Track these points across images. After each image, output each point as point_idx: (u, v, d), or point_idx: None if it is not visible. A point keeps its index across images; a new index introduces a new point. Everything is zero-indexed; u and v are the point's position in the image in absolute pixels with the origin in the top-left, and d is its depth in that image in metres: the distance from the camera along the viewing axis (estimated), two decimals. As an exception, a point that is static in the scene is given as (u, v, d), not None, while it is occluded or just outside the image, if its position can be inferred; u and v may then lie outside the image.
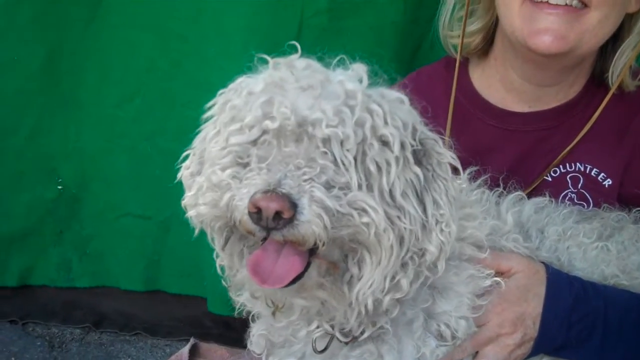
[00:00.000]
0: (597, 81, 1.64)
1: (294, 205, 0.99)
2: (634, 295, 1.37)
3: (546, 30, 1.43)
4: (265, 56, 1.14)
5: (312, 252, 1.07)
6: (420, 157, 1.13)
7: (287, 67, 1.12)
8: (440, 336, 1.26)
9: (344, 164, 1.03)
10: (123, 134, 2.74)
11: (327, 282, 1.11)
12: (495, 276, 1.32)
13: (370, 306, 1.12)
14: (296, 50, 1.14)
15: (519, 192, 1.44)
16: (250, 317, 1.35)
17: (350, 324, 1.18)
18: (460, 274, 1.26)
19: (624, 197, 1.56)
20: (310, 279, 1.09)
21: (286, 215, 0.98)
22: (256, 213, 1.00)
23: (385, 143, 1.07)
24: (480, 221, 1.30)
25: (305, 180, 1.00)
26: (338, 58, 1.14)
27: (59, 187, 2.87)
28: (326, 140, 1.03)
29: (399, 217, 1.07)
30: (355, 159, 1.04)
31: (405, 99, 1.14)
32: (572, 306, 1.32)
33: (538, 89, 1.64)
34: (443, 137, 1.19)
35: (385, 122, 1.06)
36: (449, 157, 1.15)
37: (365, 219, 1.03)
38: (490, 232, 1.32)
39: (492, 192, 1.42)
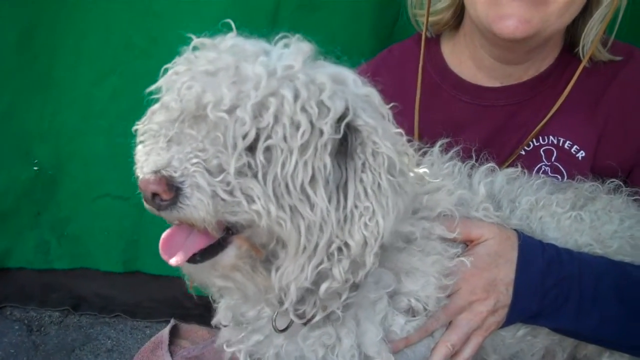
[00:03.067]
0: (568, 53, 1.63)
1: (174, 188, 0.99)
2: (609, 261, 1.36)
3: (510, 16, 1.41)
4: (192, 35, 1.13)
5: (234, 232, 1.06)
6: (354, 145, 1.08)
7: (209, 48, 1.10)
8: (410, 311, 1.25)
9: (234, 149, 1.01)
10: (100, 113, 2.70)
11: (244, 264, 1.10)
12: (466, 244, 1.32)
13: (293, 294, 1.10)
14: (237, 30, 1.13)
15: (491, 164, 1.42)
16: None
17: (284, 308, 1.14)
18: (425, 258, 1.25)
19: (598, 169, 1.55)
20: (224, 259, 1.09)
21: (164, 197, 1.00)
22: (143, 193, 1.03)
23: (297, 129, 1.02)
24: (449, 189, 1.28)
25: (193, 164, 1.00)
26: (279, 36, 1.12)
27: (35, 168, 2.83)
28: (222, 125, 1.02)
29: (304, 208, 1.03)
30: (254, 145, 1.01)
31: (338, 81, 1.09)
32: (545, 271, 1.31)
33: (508, 67, 1.63)
34: (400, 129, 1.14)
35: (297, 108, 1.02)
36: (386, 147, 1.08)
37: (253, 207, 1.01)
38: (459, 202, 1.30)
39: (465, 164, 1.40)
